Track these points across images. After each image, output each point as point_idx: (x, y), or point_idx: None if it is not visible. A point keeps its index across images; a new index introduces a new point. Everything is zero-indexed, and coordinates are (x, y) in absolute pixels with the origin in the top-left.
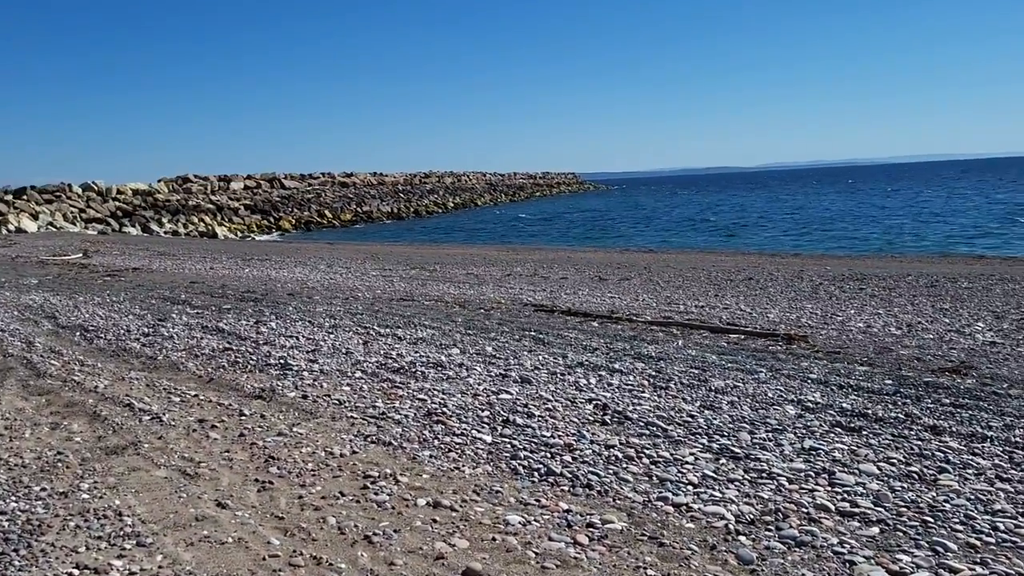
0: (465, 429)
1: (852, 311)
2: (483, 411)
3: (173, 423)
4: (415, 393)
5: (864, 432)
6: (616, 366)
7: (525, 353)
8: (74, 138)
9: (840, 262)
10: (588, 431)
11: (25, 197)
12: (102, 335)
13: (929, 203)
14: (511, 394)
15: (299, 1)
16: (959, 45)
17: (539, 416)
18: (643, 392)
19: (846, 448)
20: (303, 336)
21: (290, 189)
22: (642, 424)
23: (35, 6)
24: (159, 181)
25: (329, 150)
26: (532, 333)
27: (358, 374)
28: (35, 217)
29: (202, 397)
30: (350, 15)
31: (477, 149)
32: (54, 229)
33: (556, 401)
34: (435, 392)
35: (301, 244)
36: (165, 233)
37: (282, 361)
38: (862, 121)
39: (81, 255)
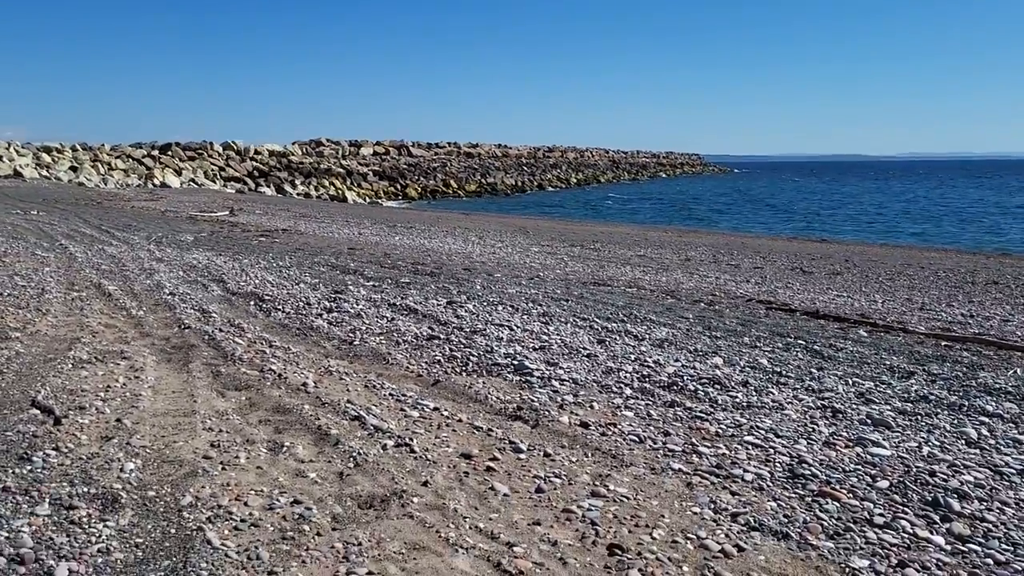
0: (875, 513)
1: None
2: (877, 478)
3: (431, 457)
4: (728, 428)
5: None
6: (990, 409)
7: (816, 372)
8: (215, 97)
9: None
10: None
11: (170, 153)
12: (280, 307)
13: None
14: (886, 449)
15: None
16: None
17: (979, 499)
18: None
19: None
20: (517, 326)
21: (417, 157)
22: None
23: None
24: (293, 144)
25: (456, 120)
26: (798, 341)
27: (626, 391)
28: (179, 173)
29: (444, 412)
30: None
31: (599, 127)
32: (195, 185)
33: (975, 469)
34: (758, 430)
35: (436, 213)
36: (297, 195)
37: (513, 361)
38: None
39: (227, 212)
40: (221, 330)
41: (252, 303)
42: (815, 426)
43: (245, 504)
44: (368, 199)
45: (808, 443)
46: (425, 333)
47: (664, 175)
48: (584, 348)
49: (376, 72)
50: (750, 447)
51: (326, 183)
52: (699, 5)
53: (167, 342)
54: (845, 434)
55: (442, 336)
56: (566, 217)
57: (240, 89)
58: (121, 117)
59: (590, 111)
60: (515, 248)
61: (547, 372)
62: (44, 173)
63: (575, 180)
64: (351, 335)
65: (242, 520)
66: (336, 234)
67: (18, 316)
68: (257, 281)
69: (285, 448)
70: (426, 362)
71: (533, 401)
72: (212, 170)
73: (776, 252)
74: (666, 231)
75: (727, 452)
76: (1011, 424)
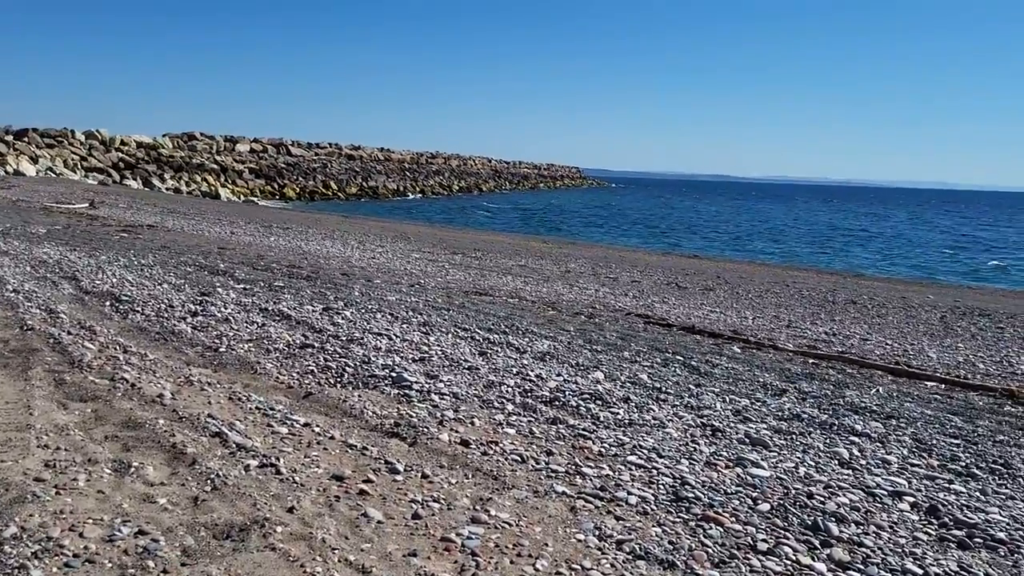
0: (758, 539)
1: None
2: (758, 501)
3: (299, 480)
4: (611, 447)
5: None
6: (859, 428)
7: (695, 388)
8: (78, 83)
9: (929, 289)
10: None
11: (26, 139)
12: (139, 309)
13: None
14: (764, 469)
15: None
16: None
17: (855, 523)
18: (957, 482)
19: None
20: (396, 335)
21: (296, 157)
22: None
23: None
24: (164, 136)
25: (336, 120)
26: (676, 357)
27: (508, 406)
28: (35, 161)
29: (315, 428)
30: None
31: (481, 134)
32: (53, 175)
33: (849, 491)
34: (641, 449)
35: (314, 215)
36: (167, 190)
37: (391, 372)
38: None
39: (87, 205)
40: (69, 333)
41: (108, 304)
42: (696, 445)
43: (80, 535)
44: (243, 197)
45: (690, 463)
46: (299, 341)
47: (544, 187)
48: (465, 360)
49: (254, 66)
50: (633, 468)
51: (198, 179)
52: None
53: (5, 345)
54: (725, 454)
55: (316, 344)
56: (447, 224)
57: (106, 77)
58: None
59: (476, 118)
60: (396, 254)
61: (427, 385)
62: None
63: (457, 187)
64: (217, 341)
65: (75, 555)
66: (207, 232)
67: None
68: (115, 280)
69: (133, 469)
70: (298, 372)
71: (412, 417)
72: (73, 159)
73: (652, 267)
74: (545, 242)
75: (611, 473)
76: (878, 444)
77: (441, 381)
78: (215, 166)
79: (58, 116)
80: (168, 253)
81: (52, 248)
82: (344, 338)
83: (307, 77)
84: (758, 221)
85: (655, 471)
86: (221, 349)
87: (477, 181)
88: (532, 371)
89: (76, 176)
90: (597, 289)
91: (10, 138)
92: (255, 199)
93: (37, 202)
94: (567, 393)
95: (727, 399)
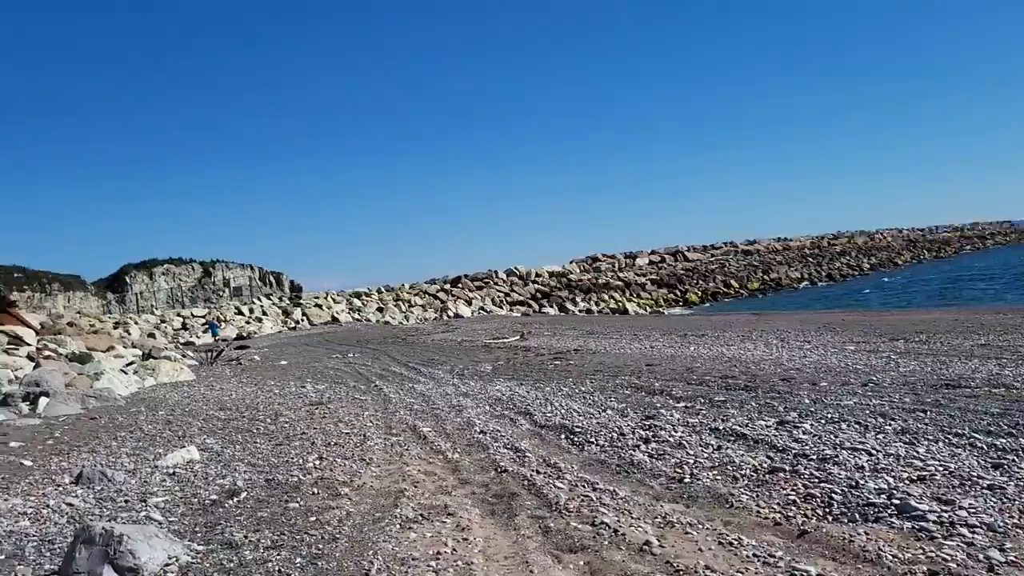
0: None
1: None
2: None
3: None
4: None
5: None
6: None
7: None
8: (494, 227)
9: None
10: None
11: (460, 285)
12: (592, 439)
13: None
14: None
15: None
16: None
17: None
18: None
19: None
20: (876, 449)
21: (693, 261)
22: None
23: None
24: (571, 262)
25: (725, 220)
26: None
27: None
28: (469, 303)
29: None
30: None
31: (890, 203)
32: (484, 313)
33: None
34: None
35: (723, 316)
36: (579, 311)
37: (891, 499)
38: None
39: (518, 337)
40: (538, 471)
41: (563, 436)
42: None
43: None
44: (649, 309)
45: None
46: (765, 464)
47: (970, 249)
48: (978, 477)
49: (646, 180)
50: None
51: (606, 297)
52: None
53: (487, 489)
54: None
55: (786, 467)
56: (868, 307)
57: (516, 215)
58: (415, 257)
59: (877, 189)
60: (827, 348)
61: (945, 514)
62: (356, 316)
63: (867, 266)
64: (678, 471)
65: None
66: (628, 349)
67: (345, 467)
68: (563, 411)
69: None
70: (778, 503)
71: (947, 561)
72: (498, 296)
73: None
74: (1000, 312)
75: None
76: None
77: (961, 508)
78: (619, 282)
79: (480, 259)
80: (602, 377)
81: (502, 384)
82: (815, 457)
83: (696, 184)
84: None
85: None
86: (685, 479)
87: (889, 256)
88: None
89: (503, 311)
90: None
91: (447, 286)
92: (661, 309)
93: (478, 340)
94: None
95: None
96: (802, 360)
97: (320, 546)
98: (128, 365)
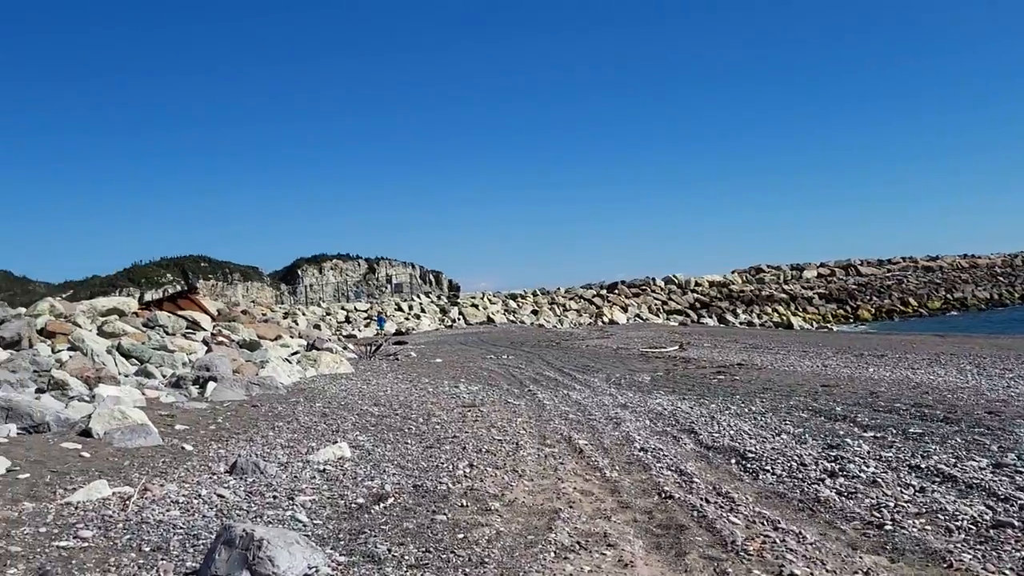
0: None
1: None
2: None
3: None
4: None
5: None
6: None
7: None
8: (655, 234)
9: None
10: None
11: (616, 291)
12: (767, 467)
13: None
14: None
15: None
16: None
17: None
18: None
19: None
20: None
21: (867, 276)
22: None
23: None
24: (732, 272)
25: (907, 233)
26: None
27: None
28: (625, 310)
29: None
30: None
31: None
32: (640, 320)
33: None
34: None
35: (902, 336)
36: (740, 324)
37: None
38: None
39: (677, 347)
40: (708, 501)
41: (733, 461)
42: None
43: None
44: (816, 324)
45: None
46: (986, 516)
47: None
48: None
49: (811, 190)
50: None
51: (769, 310)
52: None
53: (650, 517)
54: None
55: (1015, 522)
56: None
57: (677, 221)
58: (572, 261)
59: None
60: None
61: None
62: (511, 318)
63: None
64: (876, 515)
65: None
66: (798, 367)
67: (496, 478)
68: (732, 432)
69: None
70: (1011, 568)
71: None
72: (655, 304)
73: None
74: None
75: None
76: None
77: None
78: (784, 295)
79: (639, 266)
80: (773, 396)
81: (662, 397)
82: None
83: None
84: None
85: None
86: (887, 526)
87: None
88: None
89: (659, 319)
90: None
91: (604, 292)
92: (829, 325)
93: (634, 348)
94: None
95: None
96: (1007, 391)
97: (467, 569)
98: (293, 354)
